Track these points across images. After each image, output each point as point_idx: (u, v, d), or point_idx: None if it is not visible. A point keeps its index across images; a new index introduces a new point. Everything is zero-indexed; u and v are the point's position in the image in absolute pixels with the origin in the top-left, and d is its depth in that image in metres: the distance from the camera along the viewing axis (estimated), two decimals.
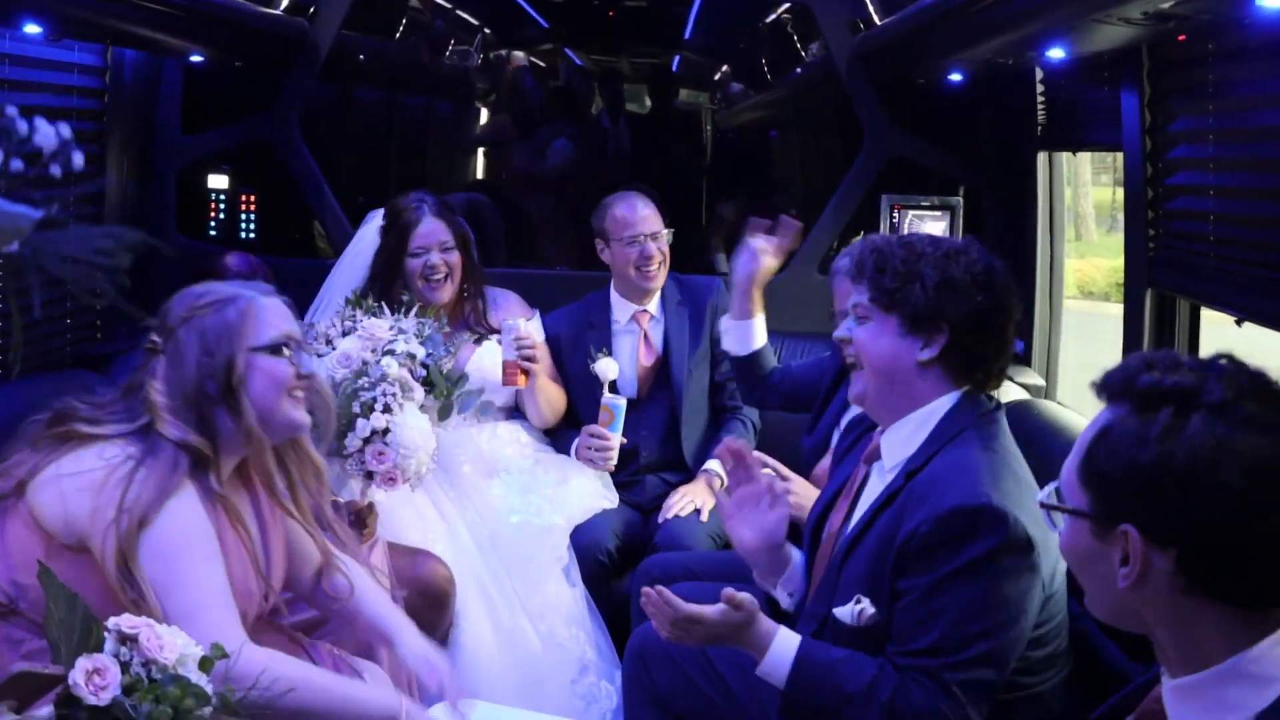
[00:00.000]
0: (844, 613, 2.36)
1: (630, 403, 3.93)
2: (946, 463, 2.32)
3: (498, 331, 3.91)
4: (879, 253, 2.42)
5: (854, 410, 2.81)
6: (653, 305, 4.12)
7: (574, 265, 5.05)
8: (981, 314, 2.35)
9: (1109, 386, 1.49)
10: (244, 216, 4.83)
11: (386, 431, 3.16)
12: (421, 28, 5.70)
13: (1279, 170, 2.64)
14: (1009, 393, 3.90)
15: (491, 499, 3.73)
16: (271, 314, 2.41)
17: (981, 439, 2.34)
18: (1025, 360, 4.38)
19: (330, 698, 2.35)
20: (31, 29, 3.17)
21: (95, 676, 1.72)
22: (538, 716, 2.95)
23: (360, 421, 3.15)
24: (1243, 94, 2.82)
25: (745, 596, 2.37)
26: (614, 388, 3.90)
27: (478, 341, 3.91)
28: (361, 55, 5.40)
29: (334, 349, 3.30)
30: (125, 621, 1.81)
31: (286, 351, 2.39)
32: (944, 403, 2.40)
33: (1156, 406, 1.40)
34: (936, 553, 2.22)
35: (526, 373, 3.75)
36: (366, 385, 3.20)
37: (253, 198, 4.86)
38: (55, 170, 1.13)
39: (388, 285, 3.76)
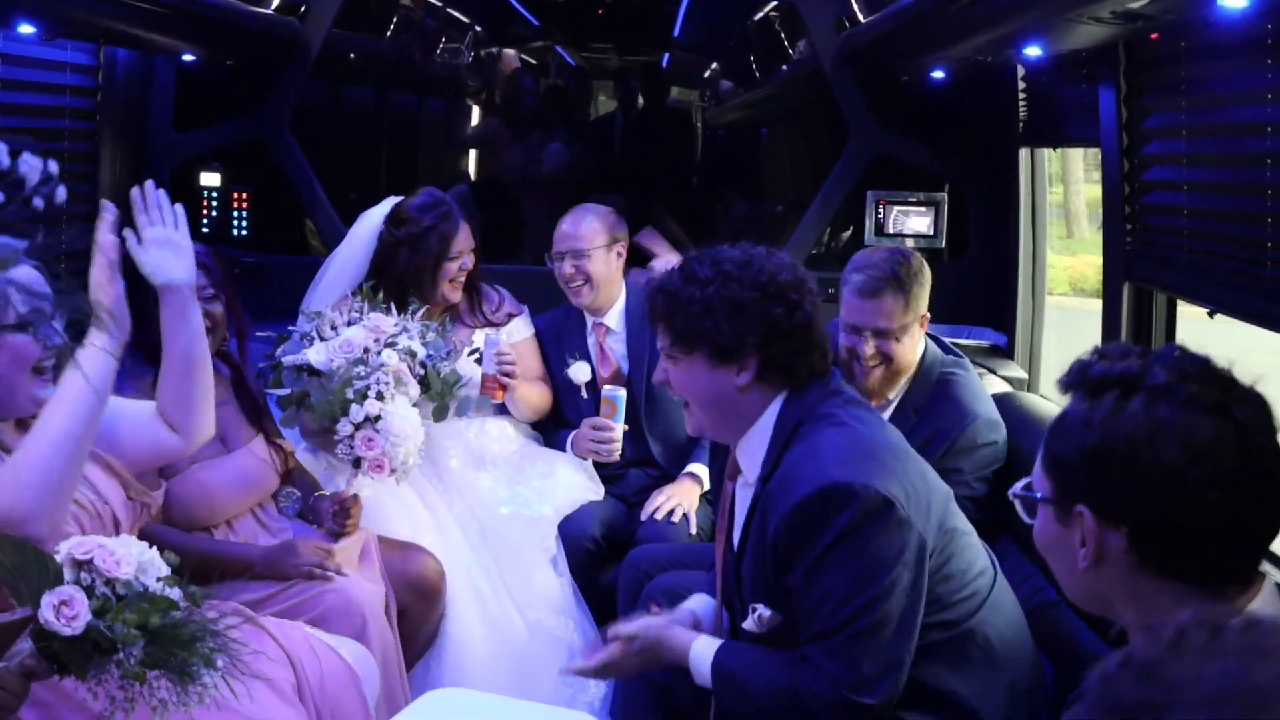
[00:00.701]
0: (749, 624, 2.42)
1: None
2: (793, 458, 2.36)
3: (493, 325, 3.97)
4: (666, 294, 2.45)
5: None
6: (612, 318, 4.04)
7: None
8: (780, 324, 2.37)
9: (1068, 379, 1.55)
10: (236, 214, 4.87)
11: (378, 418, 3.21)
12: (413, 26, 5.73)
13: (1249, 165, 2.68)
14: (992, 385, 3.96)
15: (480, 491, 3.78)
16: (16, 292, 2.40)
17: (824, 421, 2.37)
18: (1008, 354, 4.44)
19: None
20: (25, 29, 3.21)
21: (64, 608, 1.77)
22: (526, 704, 3.01)
23: (354, 407, 3.20)
24: (1214, 90, 2.87)
25: (634, 626, 2.52)
26: (590, 389, 3.94)
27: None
28: (353, 54, 5.44)
29: (338, 334, 3.37)
30: (76, 548, 1.85)
31: (31, 329, 2.30)
32: (773, 409, 2.44)
33: (1103, 392, 1.47)
34: (800, 544, 2.27)
35: (504, 387, 3.81)
36: (362, 374, 3.26)
37: (245, 195, 4.89)
38: (38, 203, 1.16)
39: (413, 287, 3.77)
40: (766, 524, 2.35)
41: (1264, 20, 2.45)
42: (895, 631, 2.27)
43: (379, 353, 3.31)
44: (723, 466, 2.68)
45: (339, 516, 3.29)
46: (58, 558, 1.85)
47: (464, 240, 3.85)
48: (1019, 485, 1.62)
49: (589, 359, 4.02)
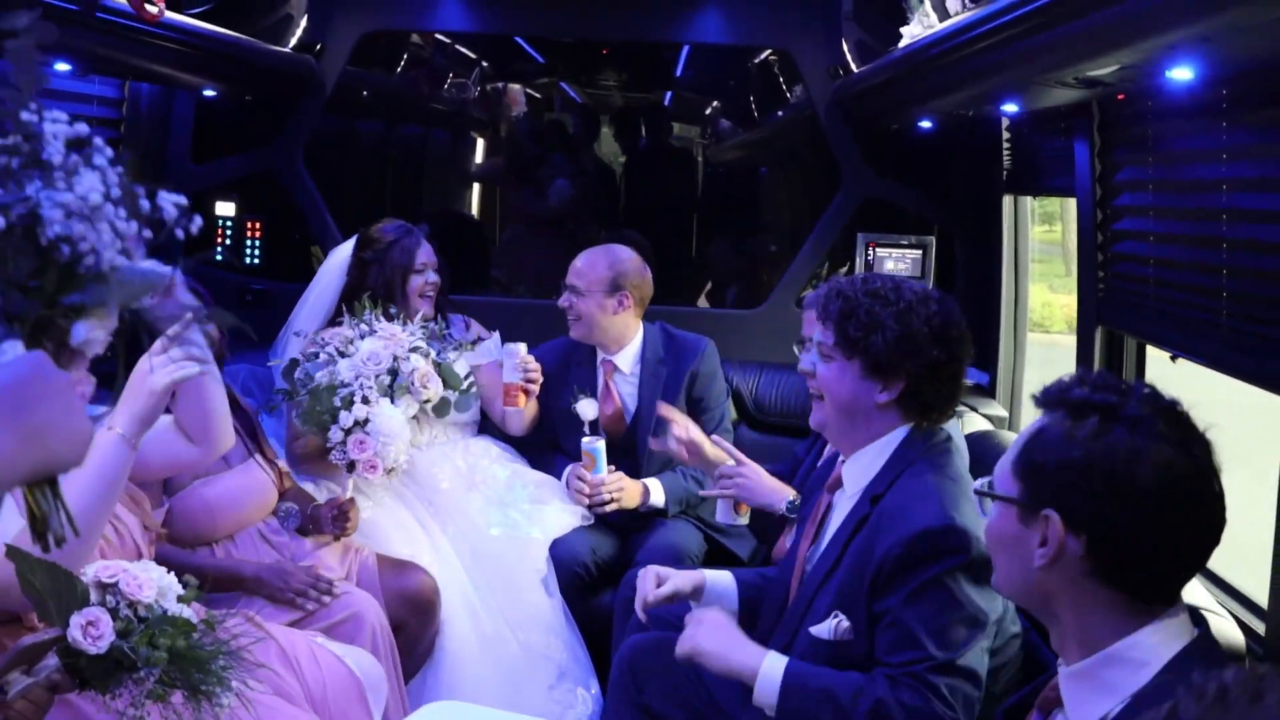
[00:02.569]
0: (822, 629, 2.50)
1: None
2: (908, 490, 2.47)
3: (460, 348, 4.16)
4: (845, 298, 2.56)
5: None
6: (624, 359, 4.14)
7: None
8: (937, 366, 2.51)
9: (1046, 397, 1.72)
10: (249, 242, 5.02)
11: (366, 421, 3.39)
12: (422, 62, 5.86)
13: (1207, 220, 2.84)
14: (973, 423, 4.11)
15: (471, 514, 3.90)
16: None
17: (935, 468, 2.50)
18: (990, 392, 4.59)
19: None
20: (62, 66, 3.40)
21: (90, 628, 1.90)
22: (520, 718, 3.14)
23: (343, 414, 3.40)
24: (1176, 149, 3.03)
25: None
26: (595, 427, 4.01)
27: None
28: (364, 91, 5.58)
29: (356, 349, 3.58)
30: (101, 571, 1.98)
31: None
32: (897, 435, 2.57)
33: (1086, 414, 1.63)
34: (907, 573, 2.36)
35: (527, 393, 3.97)
36: (405, 381, 3.52)
37: (258, 225, 5.05)
38: (179, 235, 1.32)
39: (385, 302, 3.93)
40: (875, 542, 2.43)
41: (1219, 86, 2.62)
42: (973, 683, 2.36)
43: (407, 359, 3.54)
44: (820, 478, 2.86)
45: (338, 520, 3.46)
46: (83, 581, 1.98)
47: (426, 255, 4.10)
48: (980, 482, 1.78)
49: (594, 394, 4.12)
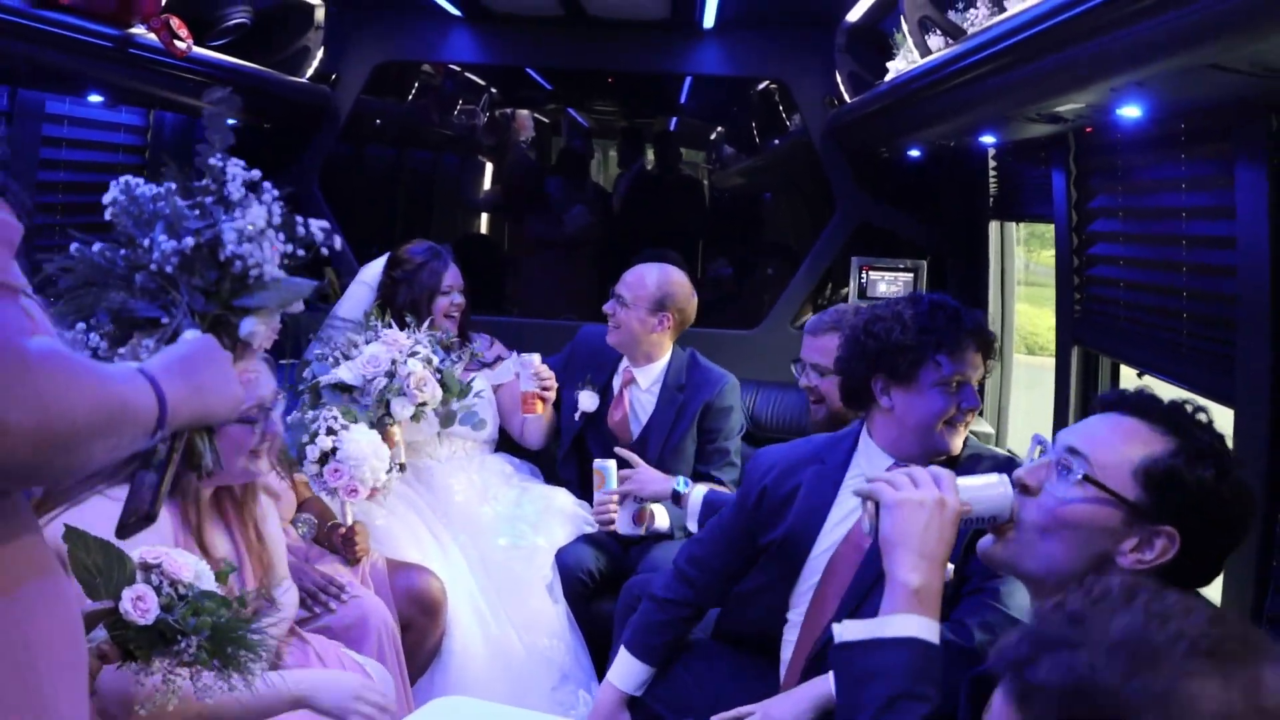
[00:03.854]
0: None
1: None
2: None
3: (486, 365, 4.41)
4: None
5: None
6: (645, 375, 4.28)
7: (583, 316, 5.13)
8: None
9: (1150, 409, 1.82)
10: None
11: (334, 451, 3.53)
12: (432, 91, 6.02)
13: (1168, 245, 3.01)
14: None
15: (482, 524, 4.08)
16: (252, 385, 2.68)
17: None
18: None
19: None
20: (94, 98, 3.60)
21: (139, 602, 2.08)
22: (526, 713, 3.26)
23: (309, 449, 3.53)
24: (1141, 178, 3.20)
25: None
26: (586, 421, 4.27)
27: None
28: (377, 119, 5.75)
29: (360, 353, 3.78)
30: (146, 554, 2.15)
31: (255, 420, 2.66)
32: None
33: (1205, 457, 1.74)
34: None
35: (544, 400, 4.18)
36: (399, 383, 3.71)
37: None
38: (325, 252, 1.79)
39: (409, 319, 4.16)
40: None
41: (1178, 120, 2.80)
42: None
43: (404, 363, 3.73)
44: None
45: (347, 546, 3.63)
46: (132, 560, 2.13)
47: (453, 277, 4.33)
48: (1076, 470, 1.79)
49: (608, 394, 4.32)
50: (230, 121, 1.82)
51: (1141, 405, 1.82)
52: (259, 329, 1.80)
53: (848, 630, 1.86)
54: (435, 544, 3.99)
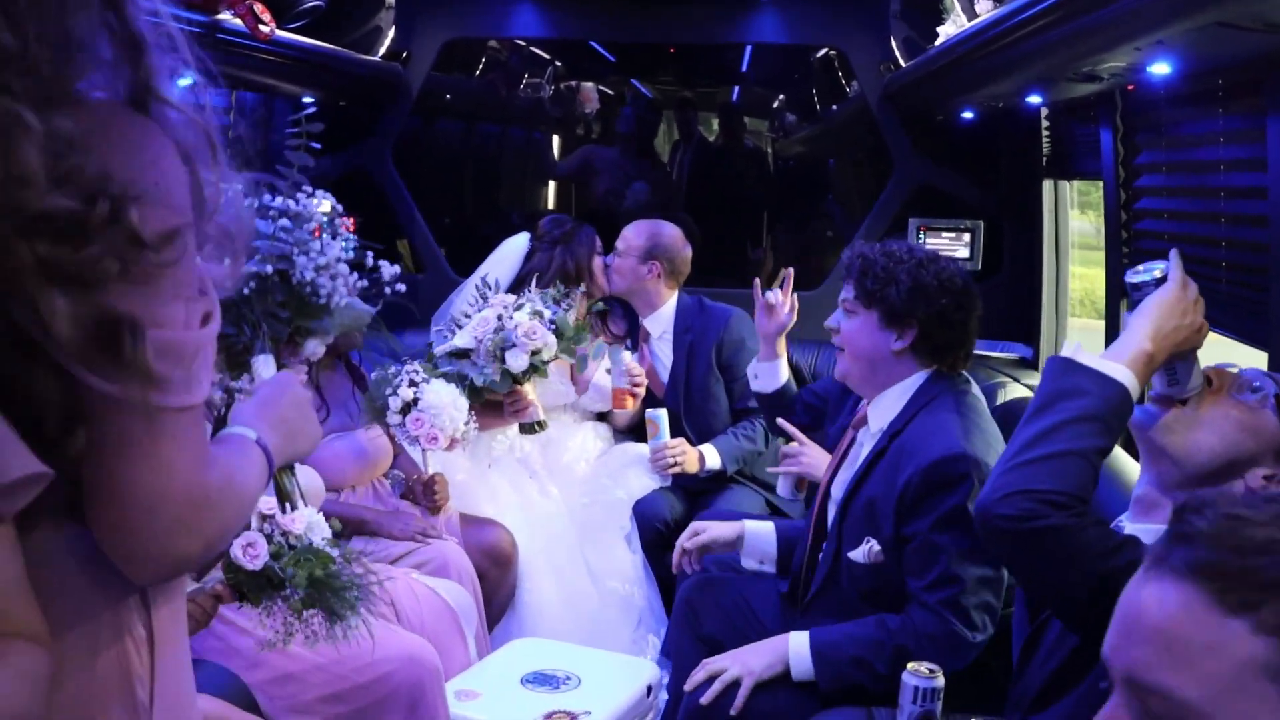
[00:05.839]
0: (857, 554, 2.81)
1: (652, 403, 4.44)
2: (925, 424, 2.78)
3: (618, 338, 4.65)
4: (864, 258, 2.91)
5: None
6: (654, 324, 4.57)
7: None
8: (946, 313, 2.83)
9: None
10: (345, 237, 5.37)
11: (415, 401, 3.70)
12: (499, 65, 6.16)
13: (1207, 197, 3.11)
14: (1015, 391, 4.37)
15: (575, 479, 4.35)
16: None
17: (954, 404, 2.80)
18: (1033, 365, 4.85)
19: None
20: (184, 81, 3.81)
21: (249, 549, 2.19)
22: (597, 651, 3.45)
23: (391, 399, 3.70)
24: (1181, 133, 3.29)
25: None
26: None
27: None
28: (447, 94, 5.90)
29: (470, 319, 3.99)
30: (263, 504, 2.27)
31: None
32: (918, 378, 2.90)
33: None
34: (927, 499, 2.66)
35: (634, 396, 4.39)
36: (506, 336, 3.91)
37: (351, 221, 5.42)
38: (388, 283, 2.12)
39: (574, 281, 4.40)
40: (894, 476, 2.72)
41: (1214, 76, 2.91)
42: (995, 596, 2.67)
43: (510, 317, 3.93)
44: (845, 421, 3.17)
45: (427, 494, 3.84)
46: None
47: (599, 241, 4.56)
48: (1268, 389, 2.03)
49: (633, 349, 4.57)
50: (307, 100, 2.02)
51: None
52: (320, 349, 1.99)
53: (1076, 353, 2.10)
54: (515, 498, 4.20)
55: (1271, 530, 1.10)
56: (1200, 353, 2.15)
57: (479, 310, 4.06)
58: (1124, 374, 2.03)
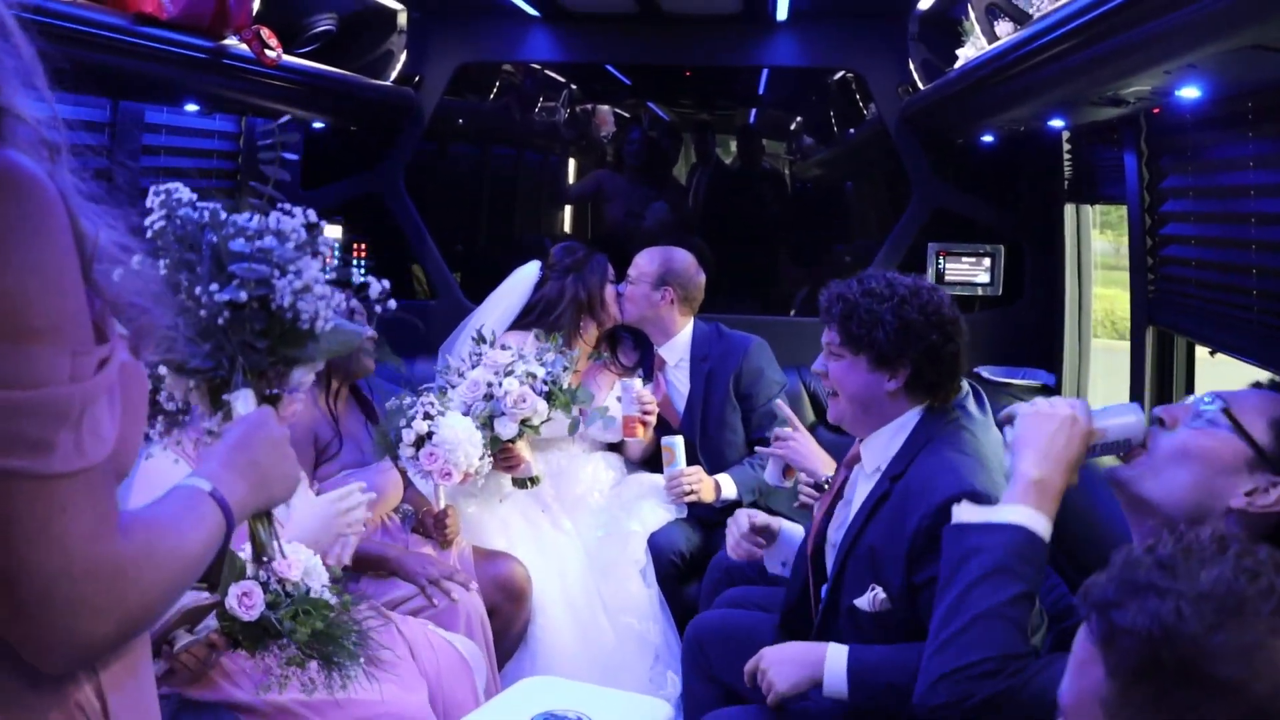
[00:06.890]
0: (862, 601, 2.71)
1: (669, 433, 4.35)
2: (928, 466, 2.68)
3: (629, 371, 4.57)
4: (844, 301, 2.80)
5: None
6: (670, 352, 4.48)
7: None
8: (935, 348, 2.74)
9: None
10: (356, 264, 5.34)
11: (430, 435, 3.62)
12: (513, 89, 6.11)
13: (1237, 223, 3.03)
14: None
15: (588, 511, 4.26)
16: None
17: (951, 445, 2.70)
18: (1056, 391, 4.76)
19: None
20: (191, 107, 3.78)
21: (245, 598, 2.12)
22: (610, 691, 3.31)
23: (405, 432, 3.63)
24: (1210, 158, 3.21)
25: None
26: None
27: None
28: (460, 118, 5.85)
29: (464, 380, 3.88)
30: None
31: None
32: (912, 416, 2.80)
33: None
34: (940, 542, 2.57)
35: (645, 424, 4.29)
36: (494, 405, 3.81)
37: (364, 246, 5.40)
38: (374, 303, 1.87)
39: (587, 311, 4.42)
40: (904, 519, 2.62)
41: (1243, 100, 2.83)
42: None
43: (500, 383, 3.82)
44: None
45: (438, 528, 3.77)
46: (242, 556, 2.15)
47: (610, 269, 4.49)
48: (1216, 404, 1.92)
49: (647, 380, 4.47)
50: (318, 125, 1.92)
51: None
52: (307, 378, 1.86)
53: (964, 513, 2.07)
54: (527, 531, 4.12)
55: (1150, 575, 1.29)
56: (1223, 379, 2.10)
57: (472, 366, 3.97)
58: (1016, 513, 2.00)
